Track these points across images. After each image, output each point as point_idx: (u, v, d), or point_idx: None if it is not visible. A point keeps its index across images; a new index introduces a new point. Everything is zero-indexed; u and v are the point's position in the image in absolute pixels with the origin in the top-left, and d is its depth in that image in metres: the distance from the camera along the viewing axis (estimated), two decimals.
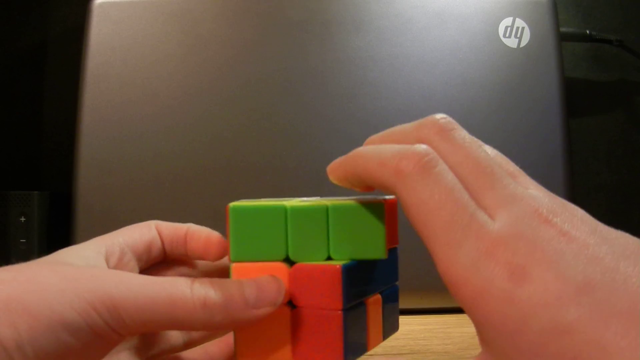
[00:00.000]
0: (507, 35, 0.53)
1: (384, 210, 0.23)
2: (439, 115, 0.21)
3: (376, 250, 0.23)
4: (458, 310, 0.52)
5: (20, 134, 0.73)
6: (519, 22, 0.54)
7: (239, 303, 0.21)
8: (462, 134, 0.21)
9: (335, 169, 0.24)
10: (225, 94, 0.52)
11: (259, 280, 0.22)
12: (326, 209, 0.23)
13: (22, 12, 0.74)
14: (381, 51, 0.53)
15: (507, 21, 0.54)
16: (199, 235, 0.27)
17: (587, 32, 0.67)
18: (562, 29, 0.57)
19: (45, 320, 0.19)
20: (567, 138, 0.53)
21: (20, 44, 0.74)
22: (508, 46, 0.53)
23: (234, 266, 0.23)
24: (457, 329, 0.47)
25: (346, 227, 0.23)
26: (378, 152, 0.21)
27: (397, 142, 0.21)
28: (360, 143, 0.24)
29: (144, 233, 0.27)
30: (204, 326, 0.21)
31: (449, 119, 0.21)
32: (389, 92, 0.53)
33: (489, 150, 0.21)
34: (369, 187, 0.23)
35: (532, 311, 0.16)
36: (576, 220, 0.18)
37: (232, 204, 0.23)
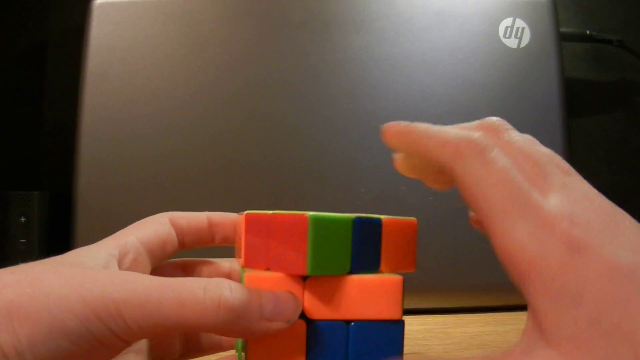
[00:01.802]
0: (507, 35, 0.53)
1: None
2: (494, 118, 0.23)
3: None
4: (458, 310, 0.52)
5: (20, 134, 0.73)
6: (519, 23, 0.53)
7: (254, 312, 0.20)
8: (516, 133, 0.22)
9: (394, 134, 0.24)
10: (226, 94, 0.52)
11: (277, 294, 0.21)
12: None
13: (22, 12, 0.74)
14: (381, 51, 0.53)
15: (507, 21, 0.54)
16: (224, 221, 0.27)
17: (587, 32, 0.68)
18: (562, 29, 0.57)
19: (46, 328, 0.18)
20: (567, 138, 0.53)
21: (20, 44, 0.74)
22: (508, 46, 0.53)
23: (246, 275, 0.22)
24: (457, 329, 0.47)
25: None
26: (439, 131, 0.22)
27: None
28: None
29: (158, 229, 0.26)
30: (214, 328, 0.20)
31: (503, 120, 0.23)
32: (389, 92, 0.53)
33: (544, 149, 0.22)
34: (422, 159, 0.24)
35: (589, 282, 0.17)
36: (628, 222, 0.19)
37: (310, 213, 0.22)
